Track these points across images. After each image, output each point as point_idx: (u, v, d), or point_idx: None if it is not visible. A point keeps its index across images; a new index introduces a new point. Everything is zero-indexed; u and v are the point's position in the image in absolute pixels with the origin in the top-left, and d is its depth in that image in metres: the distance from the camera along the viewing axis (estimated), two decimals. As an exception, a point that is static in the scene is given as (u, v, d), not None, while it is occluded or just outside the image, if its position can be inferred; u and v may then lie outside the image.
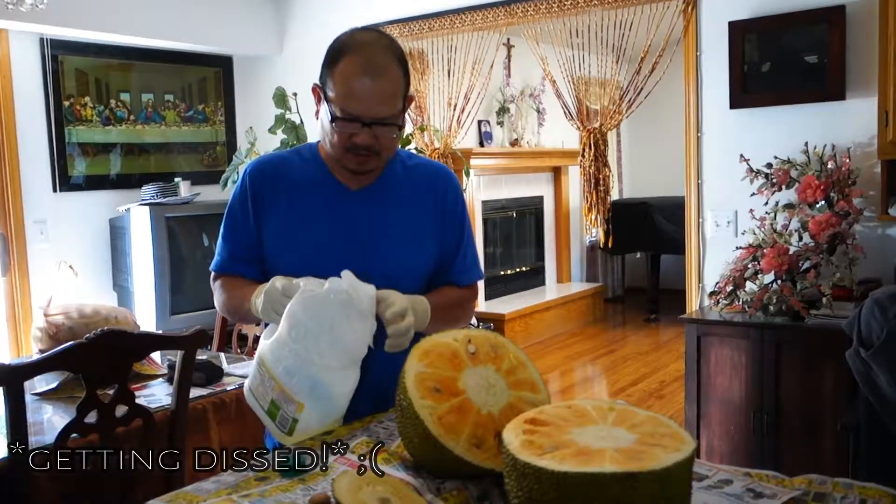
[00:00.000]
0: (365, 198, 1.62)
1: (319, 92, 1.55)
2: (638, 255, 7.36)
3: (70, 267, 4.15)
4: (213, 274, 1.71)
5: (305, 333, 1.36)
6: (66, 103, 4.45)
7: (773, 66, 3.29)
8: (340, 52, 1.49)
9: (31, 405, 2.20)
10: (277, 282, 1.42)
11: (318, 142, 1.67)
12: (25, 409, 1.82)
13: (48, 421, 2.20)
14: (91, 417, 1.91)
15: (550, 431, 0.96)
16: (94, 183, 4.61)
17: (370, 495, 1.00)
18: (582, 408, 1.03)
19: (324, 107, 1.53)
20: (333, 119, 1.49)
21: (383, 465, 1.17)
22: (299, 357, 1.37)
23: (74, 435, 1.91)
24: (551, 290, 7.22)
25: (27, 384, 1.85)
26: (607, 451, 0.89)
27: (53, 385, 2.38)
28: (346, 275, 1.39)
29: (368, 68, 1.47)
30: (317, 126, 1.62)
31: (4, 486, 1.83)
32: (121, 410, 1.98)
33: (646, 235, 6.89)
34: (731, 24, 3.34)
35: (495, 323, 5.97)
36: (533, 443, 0.93)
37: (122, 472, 1.98)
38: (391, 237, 1.61)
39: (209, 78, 5.22)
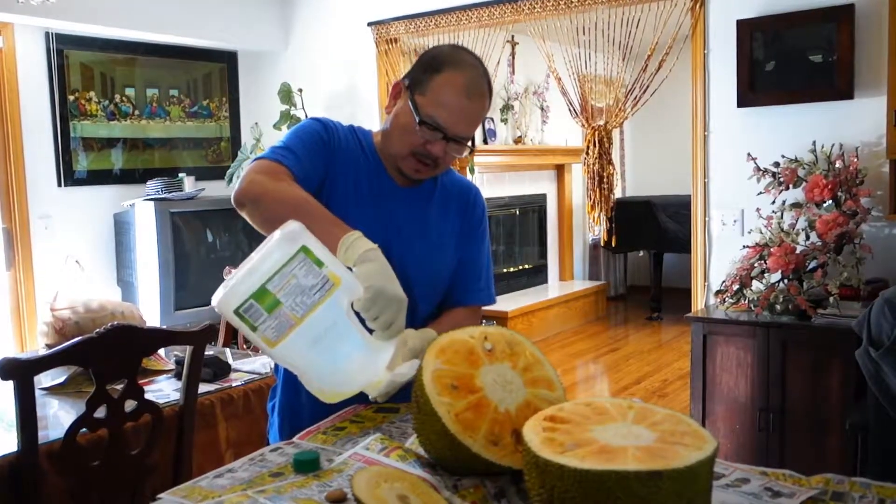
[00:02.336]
0: (407, 195, 1.64)
1: (404, 90, 1.55)
2: (641, 253, 7.35)
3: (76, 262, 4.15)
4: (273, 165, 1.48)
5: (357, 378, 1.32)
6: (71, 98, 4.45)
7: (781, 64, 3.28)
8: (444, 64, 1.52)
9: (38, 400, 2.19)
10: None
11: (371, 131, 1.68)
12: (35, 404, 1.82)
13: (54, 416, 2.20)
14: (100, 412, 1.91)
15: (571, 429, 0.96)
16: (98, 178, 4.61)
17: (388, 492, 1.00)
18: (601, 405, 1.03)
19: (406, 105, 1.53)
20: (420, 123, 1.50)
21: (399, 461, 1.16)
22: (334, 360, 1.30)
23: (83, 430, 1.91)
24: (554, 287, 7.22)
25: (35, 379, 1.85)
26: (629, 450, 0.89)
27: (61, 380, 2.38)
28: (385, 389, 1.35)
29: (469, 88, 1.51)
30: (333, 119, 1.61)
31: (14, 480, 1.82)
32: (129, 406, 1.98)
33: (649, 234, 6.89)
34: (739, 22, 3.33)
35: (498, 321, 5.96)
36: (554, 440, 0.93)
37: (130, 466, 1.98)
38: (421, 237, 1.63)
39: (214, 73, 5.21)
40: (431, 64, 1.53)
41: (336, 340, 1.31)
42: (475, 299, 1.72)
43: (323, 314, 1.27)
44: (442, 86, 1.50)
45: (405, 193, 1.64)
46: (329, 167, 1.56)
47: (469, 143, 1.57)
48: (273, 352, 1.28)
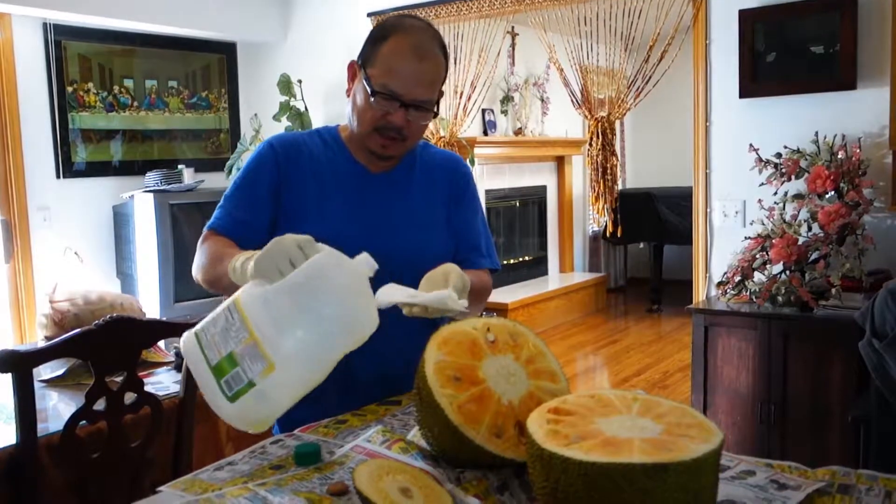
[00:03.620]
0: (384, 181, 1.62)
1: (357, 68, 1.55)
2: (641, 245, 7.34)
3: (76, 253, 4.13)
4: (205, 233, 1.60)
5: (328, 291, 1.16)
6: (70, 89, 4.43)
7: (784, 54, 3.27)
8: (389, 31, 1.51)
9: (37, 392, 2.18)
10: (291, 236, 1.25)
11: (338, 125, 1.67)
12: (34, 397, 1.80)
13: (53, 408, 2.19)
14: (99, 405, 1.90)
15: (575, 421, 0.95)
16: (97, 169, 4.59)
17: (391, 485, 0.99)
18: (605, 397, 1.02)
19: (360, 83, 1.52)
20: (373, 94, 1.49)
21: (401, 454, 1.15)
22: (304, 312, 1.15)
23: (82, 422, 1.90)
24: (554, 279, 7.21)
25: (34, 371, 1.83)
26: (635, 442, 0.88)
27: (60, 372, 2.37)
28: (364, 257, 1.27)
29: (417, 50, 1.49)
30: (333, 110, 1.60)
31: (12, 474, 1.81)
32: (129, 398, 1.96)
33: (649, 226, 6.87)
34: (741, 12, 3.31)
35: (498, 312, 5.96)
36: (558, 432, 0.92)
37: (129, 459, 1.97)
38: (407, 221, 1.61)
39: (213, 64, 5.19)
40: (378, 35, 1.52)
41: (293, 307, 1.16)
42: (479, 265, 1.69)
43: (252, 308, 1.17)
44: (390, 53, 1.49)
45: (382, 180, 1.62)
46: (278, 186, 1.57)
47: (434, 108, 1.54)
48: (280, 375, 1.13)
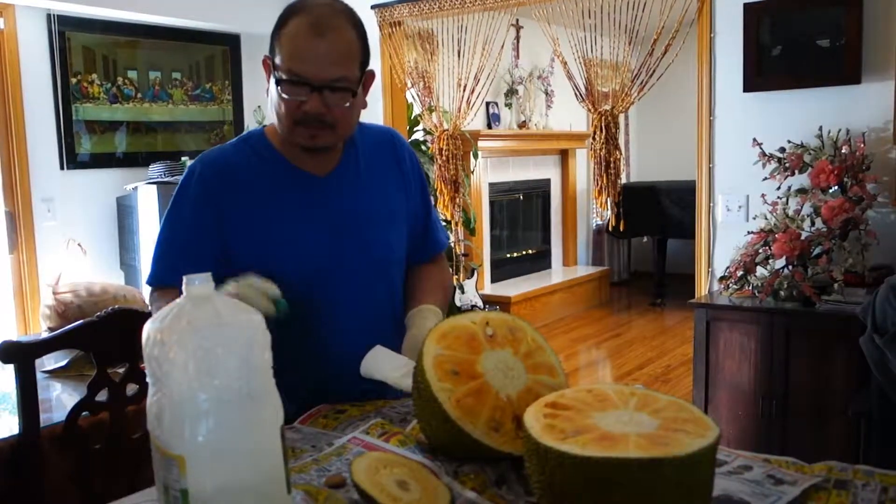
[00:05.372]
0: (334, 183, 1.52)
1: (269, 63, 1.43)
2: (644, 239, 7.32)
3: (79, 245, 4.14)
4: (152, 292, 1.51)
5: None
6: (74, 80, 4.43)
7: (788, 48, 3.25)
8: (289, 14, 1.40)
9: (40, 383, 2.19)
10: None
11: (263, 127, 1.56)
12: (36, 387, 1.81)
13: (57, 399, 2.20)
14: (101, 396, 1.91)
15: (572, 416, 0.95)
16: (101, 161, 4.59)
17: (388, 478, 0.99)
18: (603, 392, 1.02)
19: (273, 78, 1.42)
20: (279, 82, 1.38)
21: (399, 447, 1.16)
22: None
23: (85, 413, 1.90)
24: (557, 273, 7.21)
25: (36, 362, 1.84)
26: (631, 437, 0.88)
27: (63, 363, 2.38)
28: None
29: (317, 26, 1.37)
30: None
31: (15, 464, 1.83)
32: (131, 389, 1.97)
33: (653, 219, 6.86)
34: (746, 5, 3.30)
35: (501, 306, 5.96)
36: (555, 427, 0.92)
37: (131, 450, 1.98)
38: (370, 219, 1.55)
39: (217, 56, 5.18)
40: (279, 21, 1.41)
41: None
42: (436, 249, 1.70)
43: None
44: (290, 36, 1.38)
45: (331, 183, 1.52)
46: (220, 218, 1.47)
47: (354, 87, 1.41)
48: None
